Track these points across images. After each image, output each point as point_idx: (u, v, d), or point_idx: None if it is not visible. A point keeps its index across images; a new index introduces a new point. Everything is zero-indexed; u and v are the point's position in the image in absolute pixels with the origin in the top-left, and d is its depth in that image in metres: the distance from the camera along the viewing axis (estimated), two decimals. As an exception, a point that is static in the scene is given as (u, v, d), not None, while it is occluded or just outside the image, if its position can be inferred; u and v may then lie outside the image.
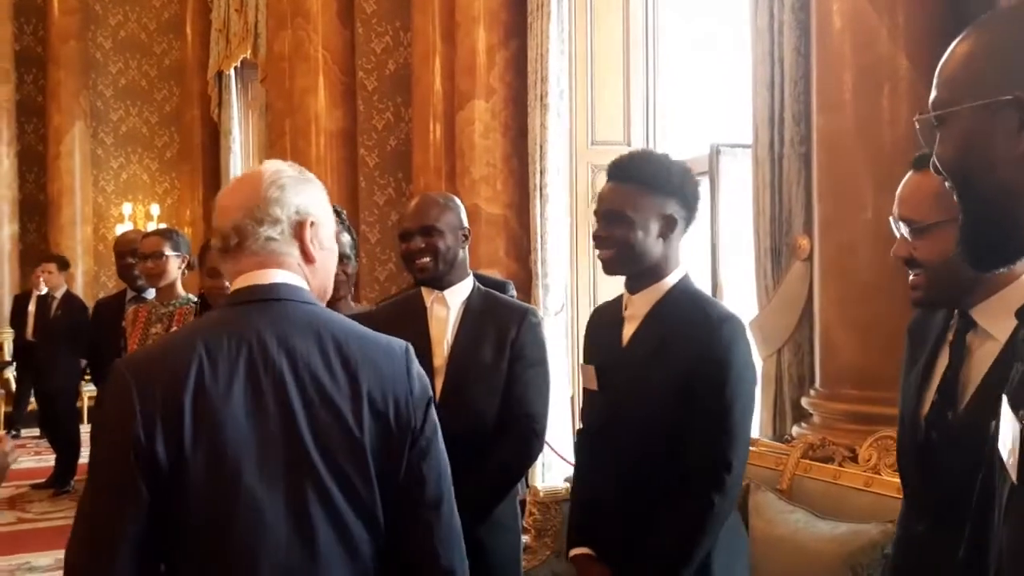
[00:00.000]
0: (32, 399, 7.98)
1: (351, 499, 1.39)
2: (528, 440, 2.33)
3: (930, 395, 1.53)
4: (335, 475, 1.38)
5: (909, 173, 1.57)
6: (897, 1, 2.87)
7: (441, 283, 2.39)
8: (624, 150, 5.13)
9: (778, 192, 3.45)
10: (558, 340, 4.90)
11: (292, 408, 1.37)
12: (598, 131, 5.25)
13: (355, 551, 1.40)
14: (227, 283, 3.00)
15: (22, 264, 10.50)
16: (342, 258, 2.29)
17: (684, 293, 2.01)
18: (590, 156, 5.23)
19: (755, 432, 2.96)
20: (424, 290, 2.44)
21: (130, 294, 4.63)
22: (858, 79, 2.91)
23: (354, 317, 1.67)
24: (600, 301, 5.07)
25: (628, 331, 2.05)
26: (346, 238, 2.84)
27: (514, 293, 3.15)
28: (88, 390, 7.75)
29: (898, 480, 2.54)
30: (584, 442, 2.17)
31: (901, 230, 1.54)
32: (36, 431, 8.15)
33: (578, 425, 2.32)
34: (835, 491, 2.72)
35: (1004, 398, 1.03)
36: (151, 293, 4.29)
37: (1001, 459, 1.03)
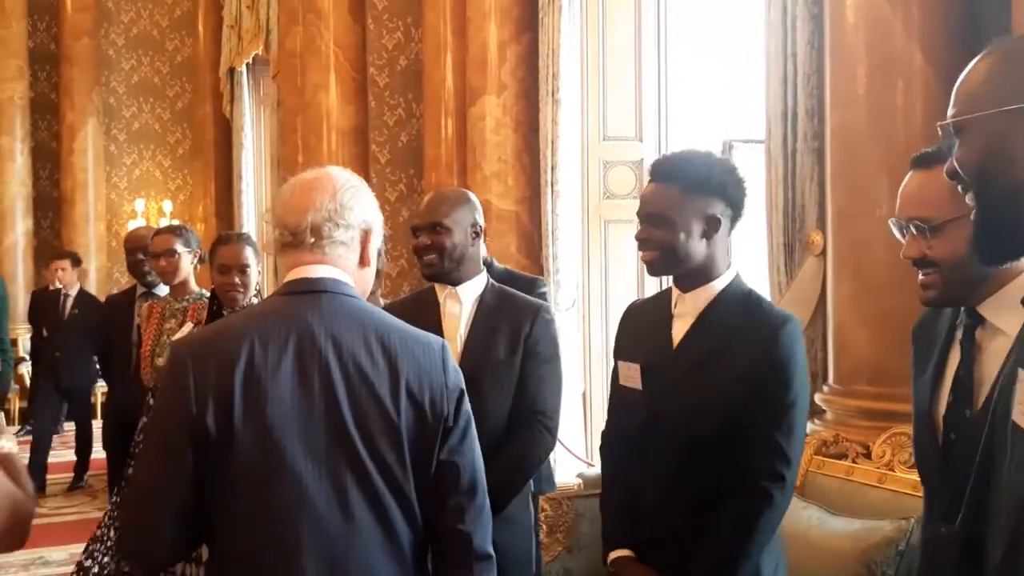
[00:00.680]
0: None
1: (387, 479, 1.49)
2: (541, 436, 2.33)
3: (944, 395, 1.52)
4: (373, 456, 1.48)
5: (910, 173, 1.56)
6: (912, -5, 2.85)
7: (452, 279, 2.39)
8: (636, 146, 5.19)
9: (791, 187, 3.43)
10: (569, 336, 4.89)
11: (335, 392, 1.47)
12: (610, 126, 5.24)
13: (390, 528, 1.50)
14: (237, 279, 3.05)
15: (36, 260, 10.55)
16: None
17: (737, 294, 2.00)
18: (601, 151, 5.22)
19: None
20: (437, 286, 2.44)
21: (140, 290, 4.64)
22: (872, 74, 2.90)
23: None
24: (611, 297, 5.13)
25: (679, 330, 2.01)
26: None
27: (545, 291, 3.13)
28: (99, 386, 7.74)
29: (913, 477, 2.53)
30: (619, 442, 2.11)
31: (910, 230, 1.53)
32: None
33: (593, 422, 2.30)
34: (848, 488, 2.71)
35: (1020, 371, 1.14)
36: (161, 289, 4.30)
37: (1013, 425, 1.12)
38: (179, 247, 3.68)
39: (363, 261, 1.61)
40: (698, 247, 1.95)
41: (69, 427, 8.29)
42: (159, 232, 3.92)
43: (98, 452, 6.43)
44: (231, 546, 1.49)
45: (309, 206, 1.56)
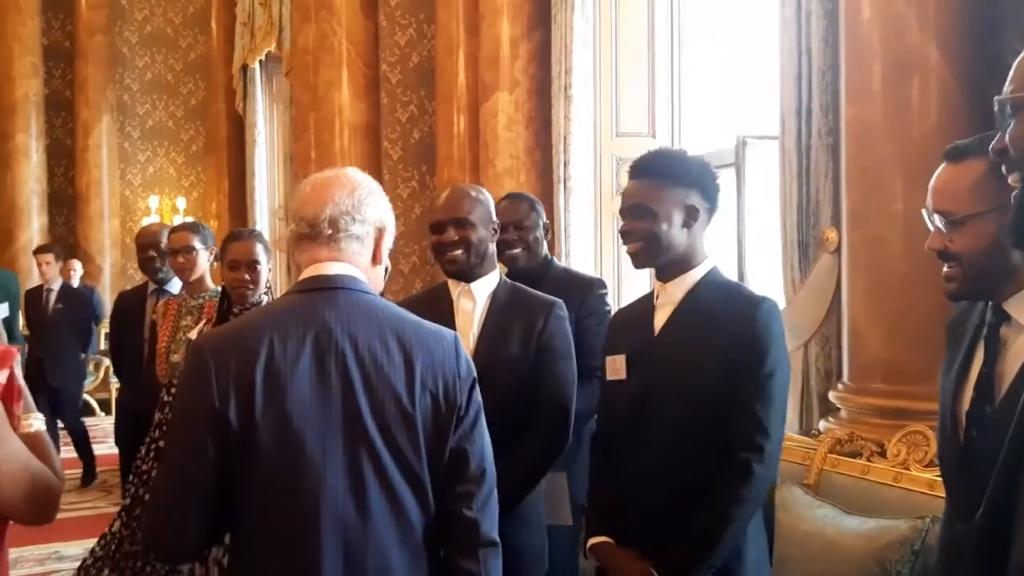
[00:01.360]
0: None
1: (403, 469, 1.54)
2: (555, 433, 2.32)
3: (968, 392, 1.52)
4: (389, 446, 1.53)
5: (943, 164, 1.55)
6: (928, -10, 2.83)
7: (474, 275, 2.39)
8: (648, 142, 5.16)
9: (806, 184, 3.41)
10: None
11: (353, 385, 1.53)
12: (622, 123, 5.22)
13: (405, 517, 1.55)
14: (246, 276, 3.06)
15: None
16: None
17: (716, 281, 2.07)
18: (614, 148, 5.20)
19: (782, 426, 2.93)
20: (451, 282, 2.43)
21: (151, 287, 4.65)
22: (887, 69, 2.87)
23: None
24: (624, 293, 5.11)
25: (660, 319, 2.08)
26: None
27: (605, 292, 3.08)
28: (113, 382, 7.70)
29: (928, 475, 2.52)
30: (605, 433, 2.17)
31: (935, 222, 1.52)
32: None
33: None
34: (863, 486, 2.69)
35: None
36: (173, 286, 4.30)
37: None
38: (196, 243, 3.69)
39: (375, 259, 1.67)
40: (679, 236, 2.04)
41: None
42: (176, 229, 3.92)
43: (111, 447, 6.44)
44: (253, 533, 1.54)
45: (328, 200, 1.62)
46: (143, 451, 3.22)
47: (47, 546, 5.10)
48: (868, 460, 2.75)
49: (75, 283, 7.16)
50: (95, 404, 9.63)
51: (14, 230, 10.73)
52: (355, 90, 6.71)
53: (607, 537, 2.08)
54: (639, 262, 2.09)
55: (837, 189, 3.24)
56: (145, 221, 10.52)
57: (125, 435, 4.49)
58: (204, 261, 3.70)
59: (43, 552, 5.04)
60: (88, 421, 7.45)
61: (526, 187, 5.26)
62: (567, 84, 4.97)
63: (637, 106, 5.21)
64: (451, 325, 2.32)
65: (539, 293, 2.44)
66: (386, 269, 1.73)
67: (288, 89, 8.93)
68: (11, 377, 1.64)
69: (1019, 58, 1.18)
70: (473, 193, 2.43)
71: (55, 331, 6.64)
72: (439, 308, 2.37)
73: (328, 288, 1.59)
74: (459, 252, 2.35)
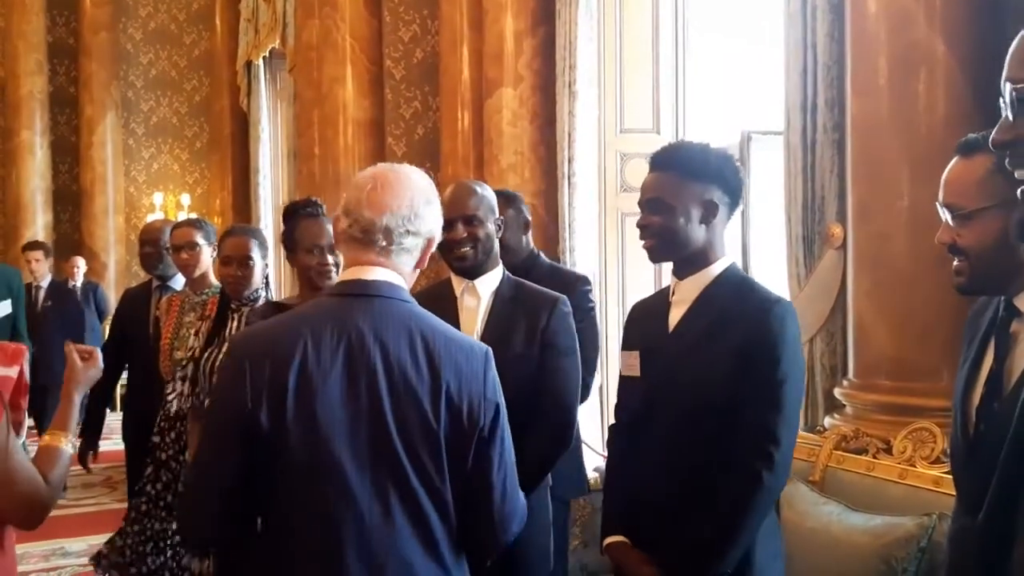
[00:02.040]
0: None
1: (424, 481, 1.56)
2: (560, 430, 2.32)
3: (979, 387, 1.52)
4: (411, 457, 1.55)
5: (955, 158, 1.55)
6: (934, -16, 2.82)
7: (481, 271, 2.38)
8: (652, 137, 5.15)
9: (811, 179, 3.39)
10: (586, 329, 4.87)
11: (380, 396, 1.55)
12: (627, 119, 5.21)
13: (426, 527, 1.57)
14: (238, 272, 3.09)
15: (56, 254, 10.62)
16: None
17: (733, 279, 2.02)
18: (619, 144, 5.19)
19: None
20: (454, 279, 2.42)
21: (155, 283, 4.65)
22: (893, 64, 2.86)
23: None
24: (628, 289, 5.10)
25: (675, 316, 2.04)
26: None
27: (589, 289, 3.07)
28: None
29: (934, 472, 2.51)
30: (621, 430, 2.14)
31: (945, 216, 1.52)
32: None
33: (609, 415, 2.30)
34: (869, 483, 2.68)
35: None
36: (176, 282, 4.30)
37: None
38: (200, 240, 3.70)
39: (419, 265, 1.70)
40: (697, 232, 1.99)
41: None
42: (179, 225, 3.93)
43: (117, 444, 6.45)
44: (281, 532, 1.58)
45: (386, 208, 1.61)
46: (151, 447, 3.23)
47: (52, 542, 5.11)
48: (874, 457, 2.75)
49: (79, 280, 7.15)
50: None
51: (19, 227, 10.76)
52: (359, 86, 6.70)
53: (622, 536, 2.05)
54: (655, 257, 2.05)
55: (842, 184, 3.23)
56: (149, 218, 10.55)
57: (131, 432, 4.48)
58: (207, 257, 3.71)
59: (48, 548, 5.05)
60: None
61: (530, 183, 5.25)
62: (571, 80, 4.96)
63: (641, 102, 5.19)
64: (455, 322, 2.32)
65: (543, 289, 2.43)
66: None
67: (292, 85, 8.91)
68: (20, 374, 1.68)
69: (1014, 44, 1.15)
70: (478, 189, 2.43)
71: (45, 328, 6.63)
72: (443, 305, 2.36)
73: (364, 295, 1.61)
74: (468, 249, 2.34)
